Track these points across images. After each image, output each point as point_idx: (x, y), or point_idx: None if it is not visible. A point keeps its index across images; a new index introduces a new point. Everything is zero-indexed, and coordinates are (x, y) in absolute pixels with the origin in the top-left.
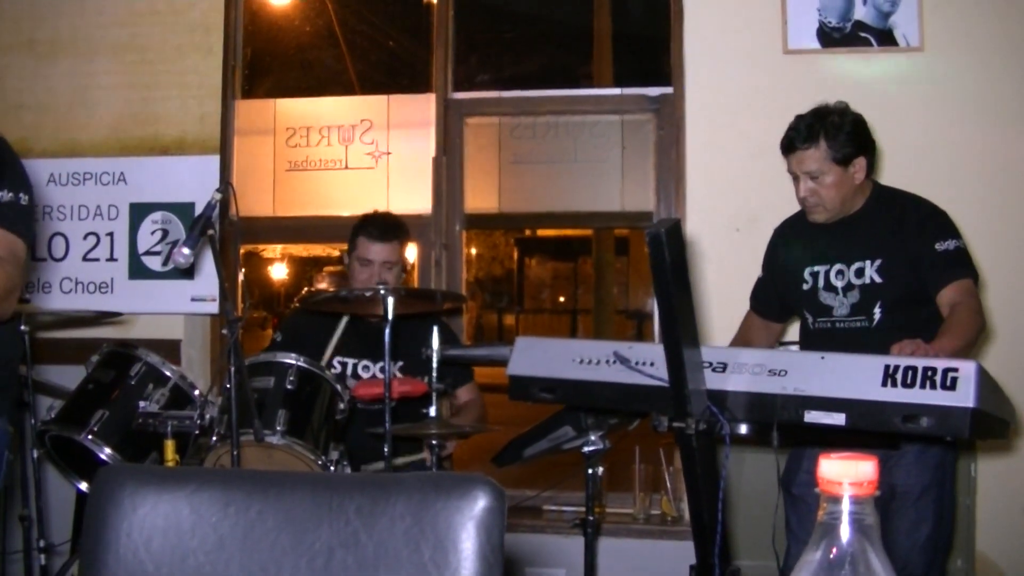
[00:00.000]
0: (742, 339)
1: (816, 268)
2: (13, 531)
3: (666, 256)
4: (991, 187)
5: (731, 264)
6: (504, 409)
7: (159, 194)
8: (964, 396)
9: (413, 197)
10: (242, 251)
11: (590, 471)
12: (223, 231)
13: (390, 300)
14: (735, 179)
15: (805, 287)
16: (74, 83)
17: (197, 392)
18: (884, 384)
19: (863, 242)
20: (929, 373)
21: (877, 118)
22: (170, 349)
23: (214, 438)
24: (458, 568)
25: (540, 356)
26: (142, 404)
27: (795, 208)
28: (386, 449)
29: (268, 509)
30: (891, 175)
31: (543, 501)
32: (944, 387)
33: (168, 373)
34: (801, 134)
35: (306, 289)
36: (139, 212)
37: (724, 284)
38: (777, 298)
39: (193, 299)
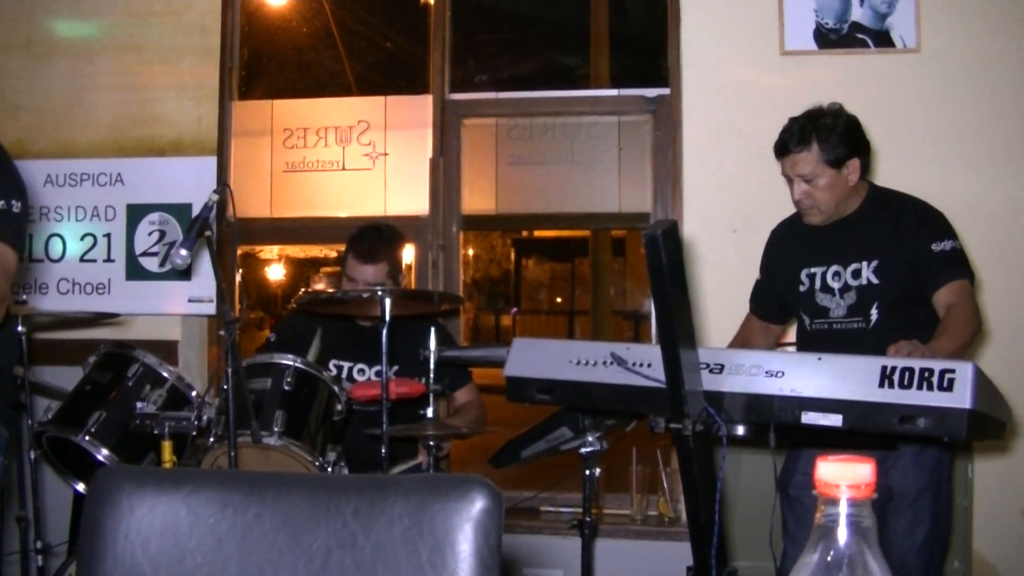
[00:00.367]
0: (741, 341)
1: (813, 269)
2: (10, 532)
3: (663, 257)
4: (987, 188)
5: (728, 265)
6: (501, 410)
7: (156, 195)
8: (961, 397)
9: (410, 198)
10: (239, 252)
11: (587, 472)
12: (220, 232)
13: (387, 302)
14: (732, 180)
15: (802, 288)
16: (71, 84)
17: (194, 393)
18: (881, 385)
19: (859, 243)
20: (926, 374)
21: (873, 119)
22: (167, 350)
23: (211, 439)
24: (455, 569)
25: (537, 357)
26: (139, 405)
27: (792, 209)
28: (383, 450)
29: (266, 510)
30: (887, 176)
31: (540, 502)
32: (941, 388)
33: (165, 374)
34: (794, 136)
35: (303, 290)
36: (136, 213)
37: (721, 285)
38: (776, 300)
39: (190, 300)
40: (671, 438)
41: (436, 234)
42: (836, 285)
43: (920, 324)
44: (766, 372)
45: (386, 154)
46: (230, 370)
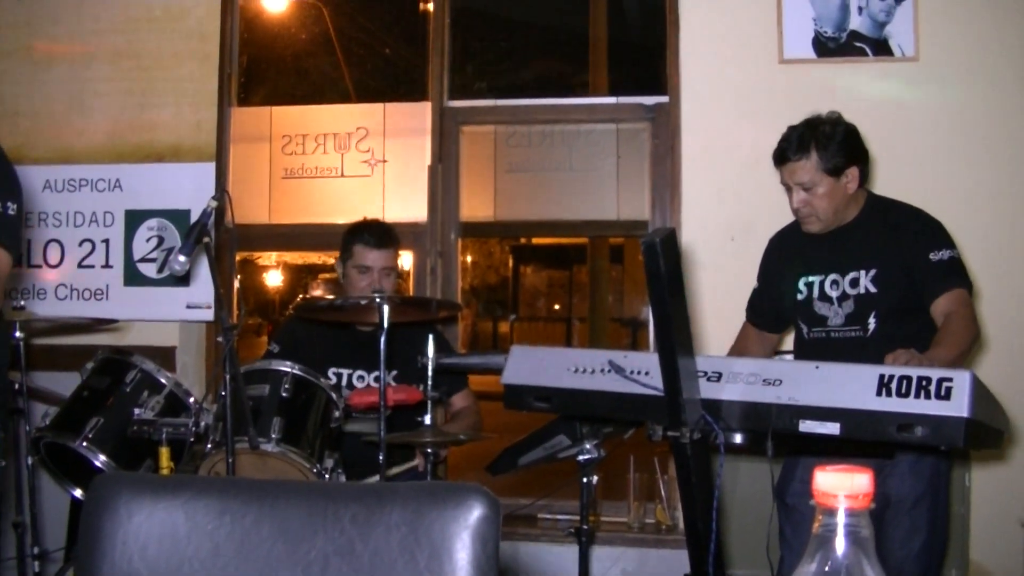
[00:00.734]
0: (738, 350)
1: (811, 278)
2: (7, 538)
3: (661, 265)
4: (986, 196)
5: (726, 273)
6: (499, 417)
7: (155, 201)
8: (958, 406)
9: (409, 205)
10: (237, 258)
11: (585, 480)
12: (219, 238)
13: (386, 308)
14: (730, 188)
15: (800, 297)
16: (70, 90)
17: (192, 399)
18: (879, 394)
19: (858, 252)
20: (924, 383)
21: (872, 128)
22: (165, 356)
23: (209, 445)
24: None
25: (535, 365)
26: (137, 411)
27: (790, 217)
28: (381, 457)
29: (263, 518)
30: (886, 185)
31: (538, 510)
32: (938, 397)
33: (163, 380)
34: (792, 145)
35: (301, 296)
36: (135, 219)
37: (719, 293)
38: (773, 308)
39: (188, 306)
40: (669, 446)
41: (434, 241)
42: (834, 294)
43: (918, 333)
44: (764, 380)
45: (385, 161)
46: (228, 376)
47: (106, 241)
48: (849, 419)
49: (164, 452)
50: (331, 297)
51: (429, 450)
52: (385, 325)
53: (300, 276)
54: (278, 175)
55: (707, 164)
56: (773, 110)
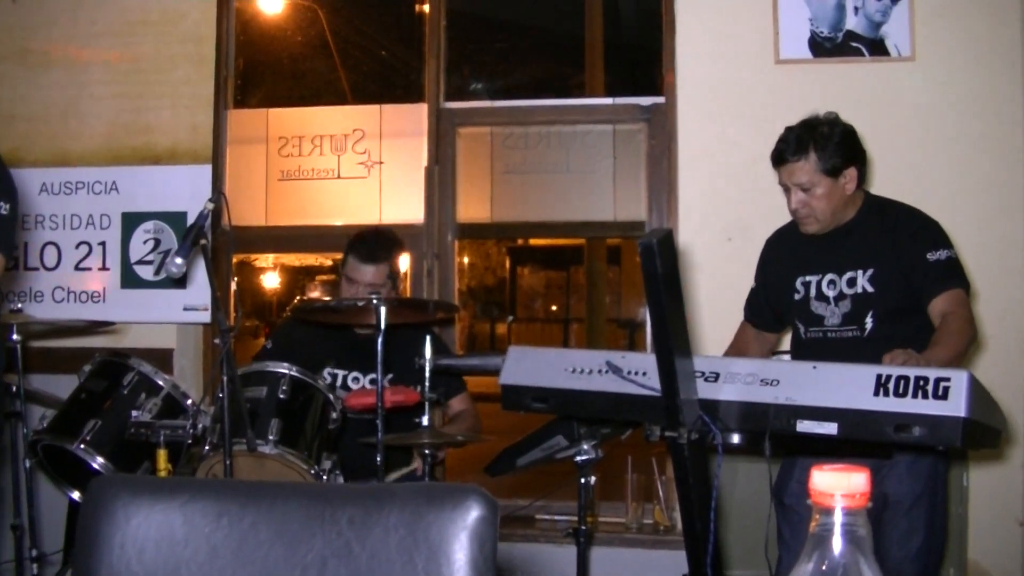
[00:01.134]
0: (736, 350)
1: (808, 278)
2: (5, 541)
3: (658, 266)
4: (983, 196)
5: (723, 274)
6: (496, 419)
7: (151, 203)
8: (956, 406)
9: (405, 207)
10: (234, 260)
11: (583, 480)
12: (215, 240)
13: (382, 310)
14: (727, 189)
15: (797, 297)
16: (67, 93)
17: (190, 402)
18: (876, 394)
19: (855, 252)
20: (921, 383)
21: (868, 128)
22: (162, 358)
23: (207, 447)
24: None
25: (533, 366)
26: (134, 414)
27: (787, 217)
28: (379, 459)
29: (261, 520)
30: (882, 185)
31: (536, 511)
32: (936, 396)
33: (160, 382)
34: (790, 146)
35: (298, 298)
36: (131, 221)
37: (716, 294)
38: (770, 308)
39: (185, 308)
40: (666, 446)
41: (431, 242)
42: (831, 293)
43: (915, 333)
44: (761, 380)
45: (381, 162)
46: (225, 378)
47: (103, 244)
48: (847, 419)
49: (162, 454)
50: (327, 299)
51: (427, 451)
52: (382, 327)
53: (297, 278)
54: (275, 177)
55: (704, 165)
56: (769, 111)
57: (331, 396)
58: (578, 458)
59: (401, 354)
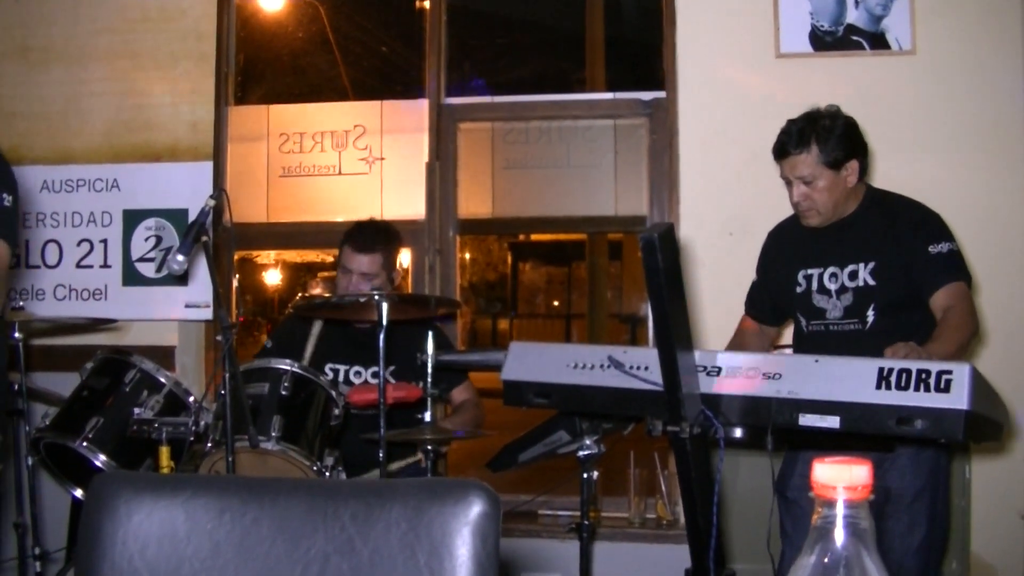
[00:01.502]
0: (738, 344)
1: (809, 271)
2: (8, 538)
3: (660, 261)
4: (983, 189)
5: (725, 268)
6: (498, 414)
7: (152, 201)
8: (958, 398)
9: (407, 202)
10: (236, 257)
11: (585, 475)
12: (217, 237)
13: (384, 306)
14: (728, 183)
15: (798, 290)
16: (67, 90)
17: (192, 399)
18: (878, 387)
19: (856, 245)
20: (923, 376)
21: (869, 121)
22: (164, 356)
23: (209, 444)
24: (453, 574)
25: (534, 361)
26: (136, 411)
27: (788, 211)
28: (381, 455)
29: (263, 516)
30: (883, 178)
31: (538, 506)
32: (938, 389)
33: (162, 380)
34: (793, 139)
35: (300, 295)
36: (132, 219)
37: (718, 288)
38: (771, 301)
39: (187, 305)
40: (669, 441)
41: (432, 238)
42: (833, 287)
43: (917, 326)
44: (763, 374)
45: (382, 158)
46: (227, 375)
47: (104, 241)
48: (849, 412)
49: (164, 451)
50: (328, 295)
51: (429, 447)
52: (384, 323)
53: (299, 274)
54: (276, 173)
55: (705, 159)
56: (770, 105)
57: (333, 392)
58: (580, 453)
59: (403, 347)
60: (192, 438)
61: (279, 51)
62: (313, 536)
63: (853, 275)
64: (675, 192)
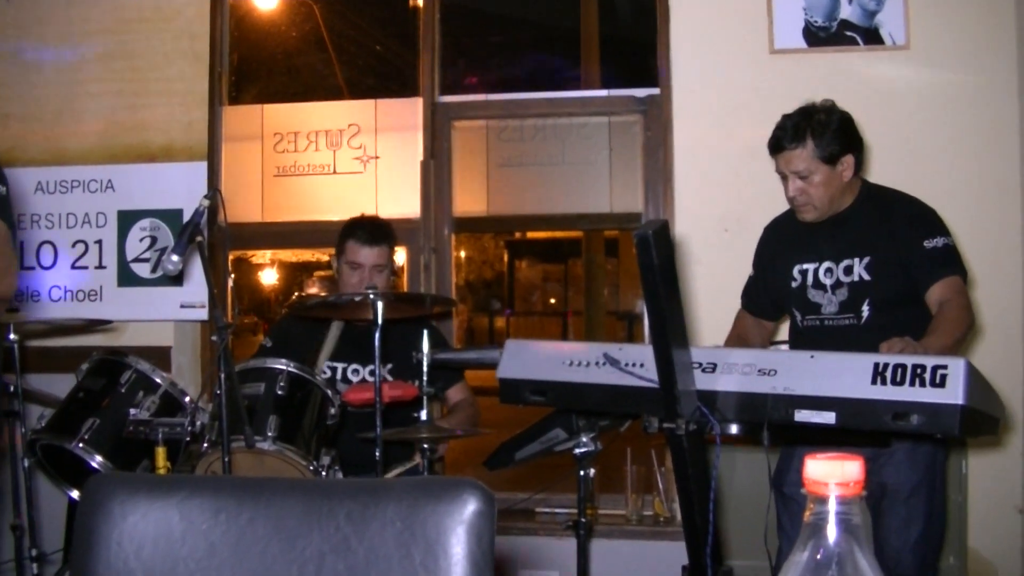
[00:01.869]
0: (736, 339)
1: (805, 266)
2: (5, 540)
3: (654, 257)
4: (978, 184)
5: (720, 264)
6: (495, 412)
7: (147, 201)
8: (954, 393)
9: (402, 201)
10: (231, 257)
11: (582, 473)
12: (211, 237)
13: (380, 304)
14: (723, 179)
15: (794, 285)
16: (61, 91)
17: (188, 399)
18: (874, 382)
19: (852, 240)
20: (919, 371)
21: (864, 117)
22: (160, 356)
23: (205, 445)
24: (448, 572)
25: (530, 359)
26: (133, 412)
27: (783, 207)
28: (377, 454)
29: (259, 516)
30: (878, 173)
31: (535, 503)
32: (934, 384)
33: (158, 380)
34: (788, 133)
35: (296, 294)
36: (127, 219)
37: (713, 284)
38: (767, 296)
39: (182, 306)
40: (665, 438)
41: (428, 237)
42: (828, 281)
43: (912, 321)
44: (759, 371)
45: (377, 157)
46: (223, 375)
47: (99, 242)
48: (845, 408)
49: (160, 452)
50: (325, 294)
51: (426, 446)
52: (379, 321)
53: (295, 274)
54: (270, 173)
55: (699, 155)
56: (765, 100)
57: (329, 392)
58: (577, 451)
59: (400, 344)
60: (188, 439)
61: (273, 50)
62: (309, 536)
63: (848, 270)
64: (670, 188)
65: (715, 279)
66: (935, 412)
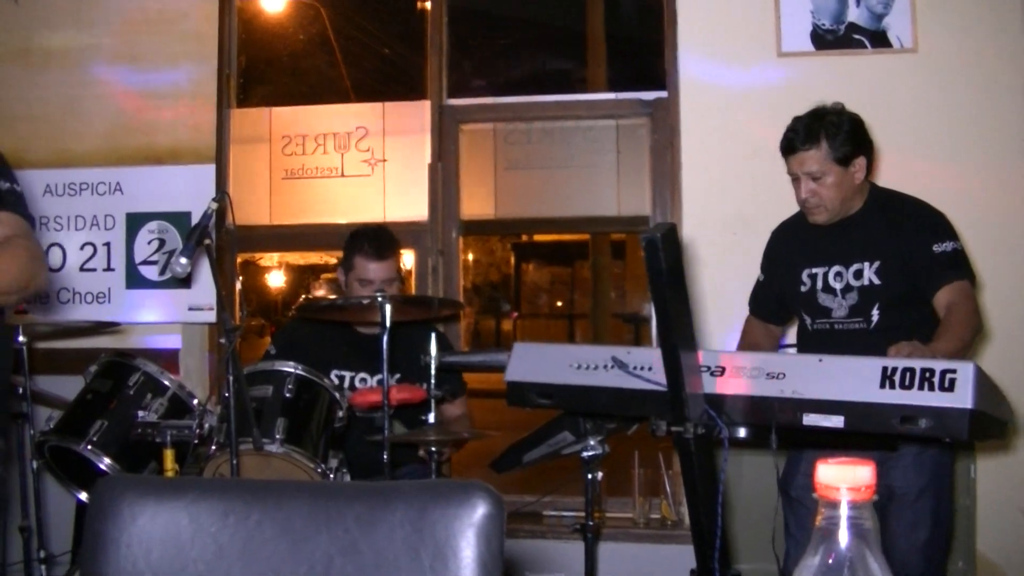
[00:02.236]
0: (748, 344)
1: (814, 270)
2: (13, 542)
3: (662, 260)
4: (985, 188)
5: (727, 267)
6: (502, 415)
7: (155, 204)
8: (962, 397)
9: (409, 204)
10: (239, 260)
11: (589, 476)
12: (219, 240)
13: (388, 308)
14: (730, 182)
15: (803, 289)
16: (68, 93)
17: (196, 401)
18: (882, 386)
19: (861, 244)
20: (927, 374)
21: (871, 120)
22: (168, 358)
23: (213, 447)
24: (457, 575)
25: (537, 362)
26: (140, 414)
27: (791, 210)
28: (385, 456)
29: (267, 518)
30: (885, 176)
31: (543, 507)
32: (942, 388)
33: (166, 382)
34: (800, 135)
35: (303, 297)
36: (135, 222)
37: (721, 287)
38: (776, 300)
39: (190, 308)
40: (672, 441)
41: (435, 239)
42: (838, 286)
43: (921, 325)
44: (767, 374)
45: (385, 160)
46: (231, 378)
47: (107, 244)
48: (853, 412)
49: (168, 454)
50: (333, 297)
51: (433, 448)
52: (387, 325)
53: (302, 276)
54: (278, 176)
55: (707, 158)
56: (772, 103)
57: (337, 394)
58: (584, 454)
59: (407, 353)
60: (196, 441)
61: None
62: (317, 538)
63: (858, 274)
64: (677, 191)
65: (723, 282)
66: (944, 416)
